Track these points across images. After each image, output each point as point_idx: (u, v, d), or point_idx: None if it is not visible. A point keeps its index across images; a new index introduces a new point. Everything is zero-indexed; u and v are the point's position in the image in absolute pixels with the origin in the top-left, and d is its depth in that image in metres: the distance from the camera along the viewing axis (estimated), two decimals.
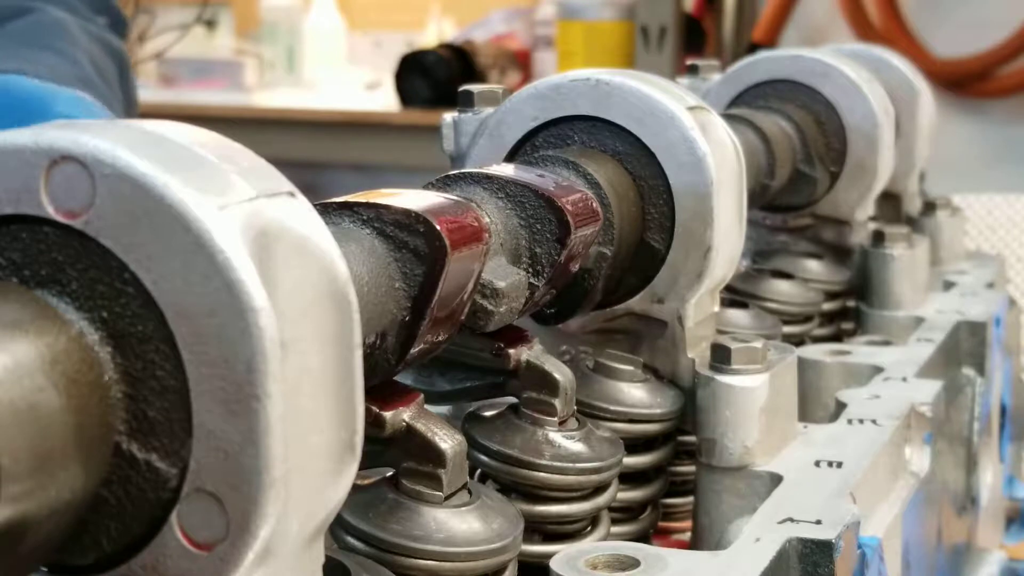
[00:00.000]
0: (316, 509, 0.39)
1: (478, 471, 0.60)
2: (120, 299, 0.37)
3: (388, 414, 0.50)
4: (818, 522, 0.58)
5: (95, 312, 0.37)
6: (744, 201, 0.72)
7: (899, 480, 0.73)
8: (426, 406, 0.52)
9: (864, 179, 1.02)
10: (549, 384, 0.60)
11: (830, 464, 0.65)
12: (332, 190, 0.62)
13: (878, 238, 1.02)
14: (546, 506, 0.60)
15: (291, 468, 0.37)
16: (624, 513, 0.68)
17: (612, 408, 0.66)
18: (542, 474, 0.59)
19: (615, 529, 0.65)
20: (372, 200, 0.50)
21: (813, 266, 1.00)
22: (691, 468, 0.70)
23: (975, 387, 0.92)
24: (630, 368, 0.68)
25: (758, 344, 0.66)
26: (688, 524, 0.71)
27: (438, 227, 0.50)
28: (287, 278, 0.38)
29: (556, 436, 0.59)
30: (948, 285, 1.09)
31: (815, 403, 0.81)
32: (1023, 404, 1.14)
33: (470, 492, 0.53)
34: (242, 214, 0.37)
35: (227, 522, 0.37)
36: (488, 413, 0.61)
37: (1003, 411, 1.03)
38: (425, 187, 0.59)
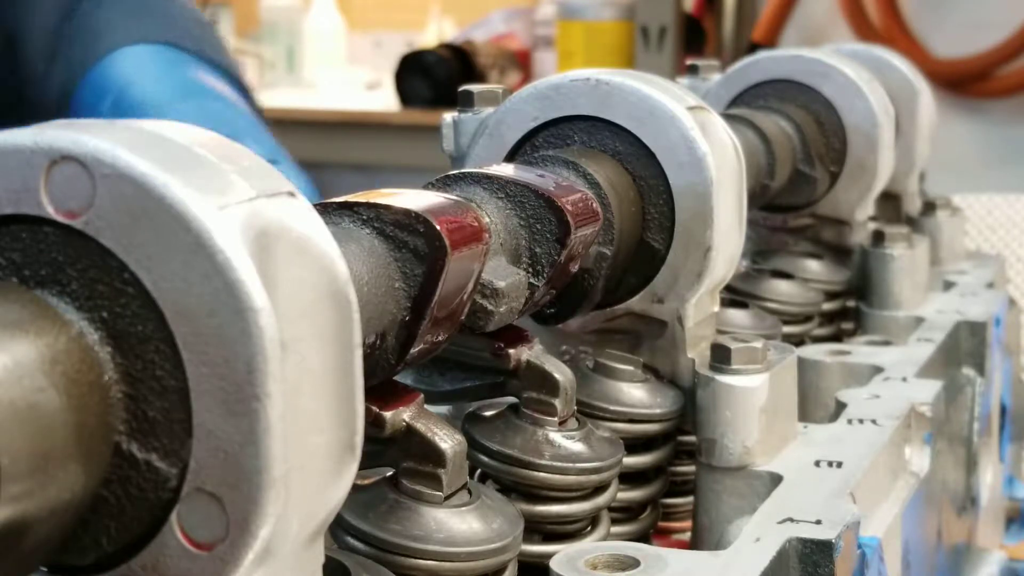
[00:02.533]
0: (316, 509, 0.39)
1: (478, 471, 0.60)
2: (120, 299, 0.37)
3: (388, 414, 0.50)
4: (818, 522, 0.58)
5: (95, 312, 0.37)
6: (744, 201, 0.72)
7: (899, 480, 0.73)
8: (426, 406, 0.52)
9: (864, 179, 1.02)
10: (549, 384, 0.60)
11: (830, 464, 0.65)
12: (332, 190, 0.62)
13: (878, 238, 1.02)
14: (546, 506, 0.60)
15: (291, 468, 0.37)
16: (624, 513, 0.68)
17: (612, 408, 0.66)
18: (542, 474, 0.59)
19: (615, 529, 0.65)
20: (372, 200, 0.50)
21: (813, 266, 1.00)
22: (691, 468, 0.70)
23: (975, 387, 0.92)
24: (630, 368, 0.68)
25: (758, 344, 0.66)
26: (688, 524, 0.71)
27: (438, 227, 0.50)
28: (287, 278, 0.38)
29: (556, 436, 0.59)
30: (948, 285, 1.09)
31: (815, 403, 0.81)
32: (1023, 404, 1.14)
33: (470, 492, 0.53)
34: (242, 214, 0.37)
35: (227, 522, 0.37)
36: (488, 413, 0.61)
37: (1003, 411, 1.03)
38: (425, 187, 0.59)
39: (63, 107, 1.10)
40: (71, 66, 1.10)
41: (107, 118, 1.06)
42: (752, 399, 0.66)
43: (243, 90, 1.16)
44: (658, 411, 0.68)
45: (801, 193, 1.00)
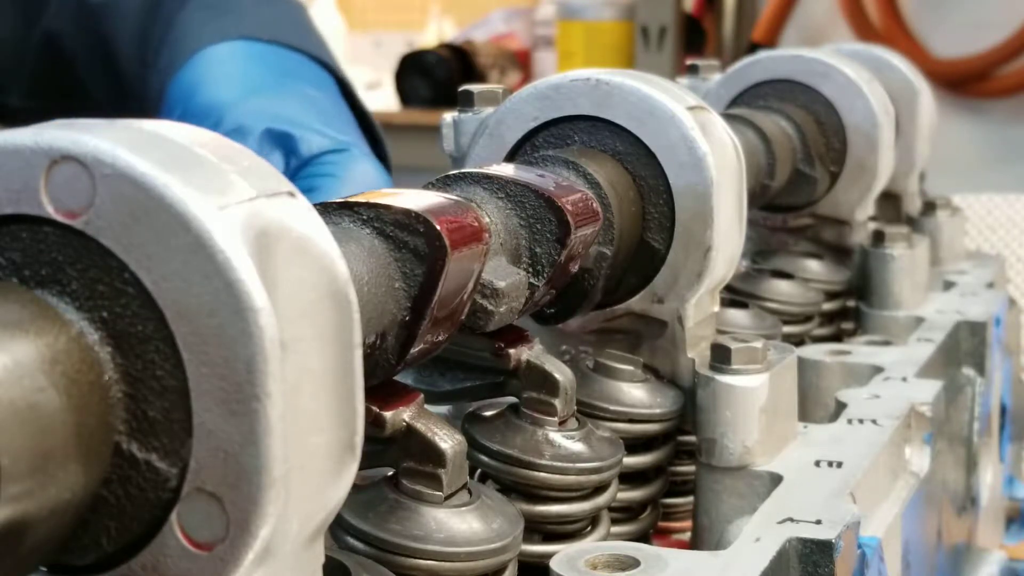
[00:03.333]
0: (316, 509, 0.39)
1: (478, 471, 0.60)
2: (120, 299, 0.37)
3: (388, 414, 0.50)
4: (818, 522, 0.58)
5: (95, 312, 0.37)
6: (744, 201, 0.72)
7: (899, 480, 0.73)
8: (426, 406, 0.52)
9: (864, 179, 1.02)
10: (549, 384, 0.60)
11: (830, 464, 0.65)
12: None
13: (878, 238, 1.02)
14: (546, 506, 0.60)
15: (291, 468, 0.37)
16: (624, 513, 0.68)
17: (612, 408, 0.66)
18: (542, 474, 0.59)
19: (615, 529, 0.65)
20: (372, 200, 0.50)
21: (813, 266, 1.00)
22: (691, 468, 0.70)
23: (975, 387, 0.92)
24: (630, 368, 0.68)
25: (758, 344, 0.66)
26: (688, 524, 0.71)
27: (438, 227, 0.50)
28: (287, 278, 0.38)
29: (556, 436, 0.59)
30: (948, 285, 1.09)
31: (815, 403, 0.81)
32: (1023, 404, 1.14)
33: (470, 492, 0.53)
34: (242, 214, 0.37)
35: (227, 522, 0.37)
36: (488, 413, 0.61)
37: (1003, 411, 1.03)
38: (425, 187, 0.59)
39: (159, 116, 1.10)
40: (161, 74, 1.10)
41: (181, 117, 1.02)
42: (752, 399, 0.66)
43: (326, 67, 1.14)
44: (658, 411, 0.68)
45: (801, 193, 1.00)
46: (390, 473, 0.52)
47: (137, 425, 0.37)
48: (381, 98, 3.42)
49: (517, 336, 0.60)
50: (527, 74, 3.23)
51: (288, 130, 1.03)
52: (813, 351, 0.86)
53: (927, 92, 1.19)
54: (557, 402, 0.59)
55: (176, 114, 1.05)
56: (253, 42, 1.09)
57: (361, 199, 0.51)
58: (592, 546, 0.54)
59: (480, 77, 3.07)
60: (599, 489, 0.61)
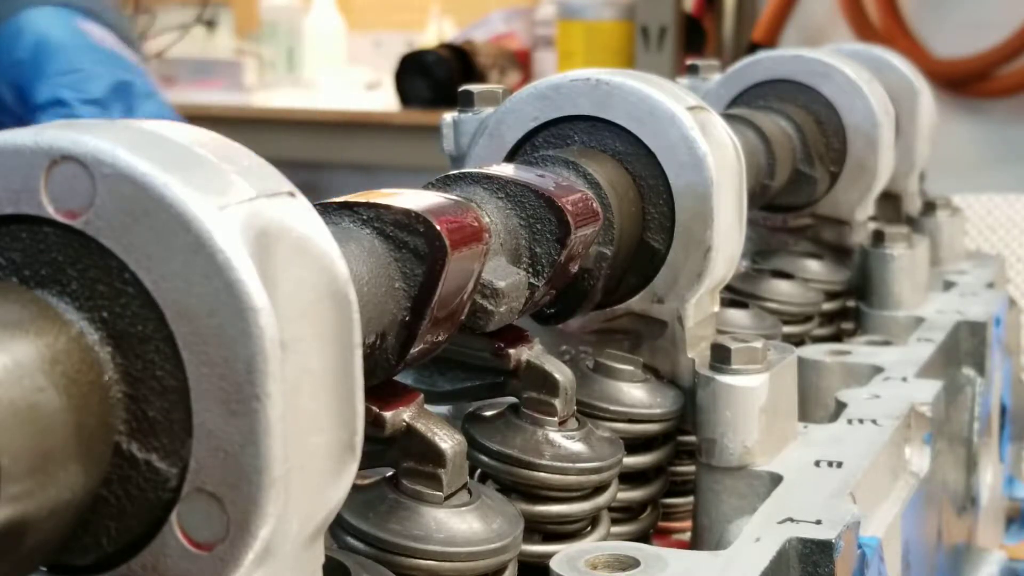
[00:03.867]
0: (316, 509, 0.39)
1: (478, 471, 0.60)
2: (120, 299, 0.37)
3: (388, 414, 0.50)
4: (818, 522, 0.58)
5: (95, 312, 0.37)
6: (744, 201, 0.72)
7: (899, 480, 0.73)
8: (426, 406, 0.52)
9: (864, 179, 1.02)
10: (549, 384, 0.60)
11: (830, 464, 0.65)
12: (332, 190, 0.62)
13: (878, 238, 1.02)
14: (546, 506, 0.60)
15: (291, 468, 0.37)
16: (624, 513, 0.68)
17: (612, 408, 0.66)
18: (542, 474, 0.59)
19: (615, 529, 0.65)
20: (372, 200, 0.50)
21: (813, 266, 1.00)
22: (691, 468, 0.70)
23: (975, 387, 0.92)
24: (630, 368, 0.68)
25: (758, 344, 0.66)
26: (688, 524, 0.71)
27: (438, 227, 0.50)
28: (287, 278, 0.38)
29: (556, 436, 0.59)
30: (948, 285, 1.09)
31: (815, 403, 0.81)
32: (1023, 404, 1.14)
33: (470, 492, 0.53)
34: (242, 214, 0.37)
35: (227, 522, 0.37)
36: (488, 413, 0.61)
37: (1003, 411, 1.03)
38: (425, 187, 0.59)
39: None
40: None
41: (31, 57, 1.45)
42: (752, 399, 0.66)
43: (124, 36, 1.62)
44: (658, 411, 0.68)
45: (801, 193, 1.00)
46: (390, 473, 0.52)
47: (137, 425, 0.37)
48: (381, 98, 3.42)
49: (517, 336, 0.60)
50: (527, 74, 3.23)
51: (128, 78, 1.56)
52: (813, 351, 0.86)
53: (927, 92, 1.19)
54: (557, 402, 0.59)
55: (27, 42, 1.52)
56: (69, 8, 1.57)
57: (361, 199, 0.51)
58: (592, 546, 0.54)
59: (480, 77, 3.07)
60: (599, 489, 0.61)
